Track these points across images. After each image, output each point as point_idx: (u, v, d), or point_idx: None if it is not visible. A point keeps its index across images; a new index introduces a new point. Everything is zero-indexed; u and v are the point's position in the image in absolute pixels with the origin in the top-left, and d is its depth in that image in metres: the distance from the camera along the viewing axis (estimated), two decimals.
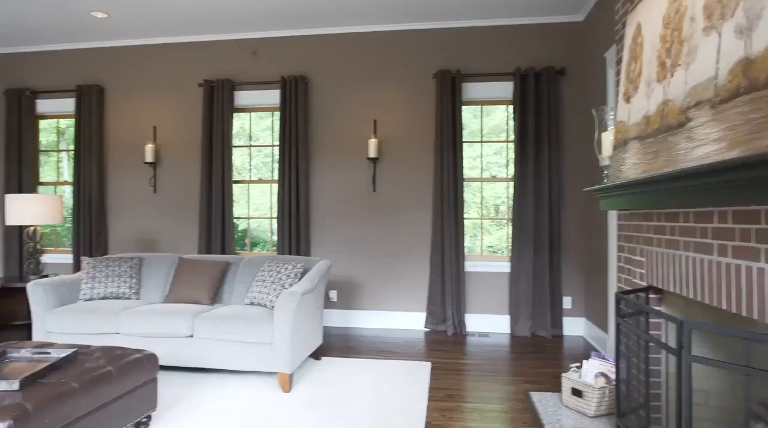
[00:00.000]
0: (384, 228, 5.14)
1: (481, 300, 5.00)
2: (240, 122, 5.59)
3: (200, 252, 5.28)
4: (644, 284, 2.62)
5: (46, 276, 4.57)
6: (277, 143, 5.40)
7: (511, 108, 5.06)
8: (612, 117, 2.86)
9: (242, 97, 5.41)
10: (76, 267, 5.51)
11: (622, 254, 2.94)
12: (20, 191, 5.67)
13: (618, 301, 2.51)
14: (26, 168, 5.72)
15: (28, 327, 4.50)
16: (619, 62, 2.93)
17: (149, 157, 5.44)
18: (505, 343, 4.58)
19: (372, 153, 5.00)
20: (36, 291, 3.77)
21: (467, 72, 5.00)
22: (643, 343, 2.46)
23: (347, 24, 5.13)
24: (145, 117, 5.61)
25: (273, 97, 5.34)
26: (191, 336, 3.52)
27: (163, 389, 3.36)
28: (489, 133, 5.25)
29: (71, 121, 5.89)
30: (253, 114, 5.58)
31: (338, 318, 5.22)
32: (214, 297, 3.95)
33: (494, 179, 5.21)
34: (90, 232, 5.54)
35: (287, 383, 3.32)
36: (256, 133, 5.63)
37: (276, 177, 5.45)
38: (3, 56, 5.95)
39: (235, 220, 5.48)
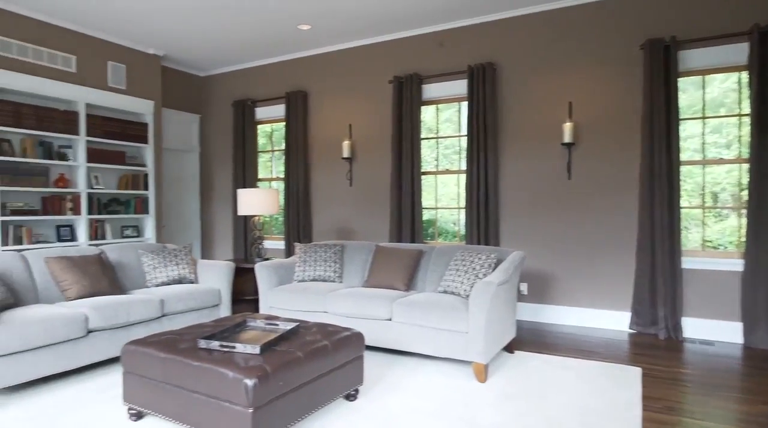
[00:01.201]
0: (580, 219, 4.77)
1: (703, 302, 4.33)
2: (426, 114, 5.70)
3: (391, 241, 5.54)
4: None
5: (268, 259, 5.26)
6: (464, 133, 5.38)
7: (744, 75, 4.26)
8: None
9: (429, 90, 5.51)
10: (287, 251, 6.23)
11: None
12: (244, 187, 6.61)
13: None
14: (249, 167, 6.65)
15: (255, 302, 5.23)
16: None
17: (346, 153, 5.88)
18: (736, 355, 3.89)
19: (567, 138, 4.68)
20: (262, 272, 4.34)
21: (686, 37, 4.34)
22: None
23: (534, 3, 4.87)
24: (342, 116, 6.08)
25: (459, 87, 5.34)
26: (390, 319, 3.69)
27: (365, 367, 3.58)
28: (710, 107, 4.49)
29: (280, 125, 6.67)
30: (439, 105, 5.65)
31: (529, 312, 5.02)
32: (409, 283, 4.09)
33: (721, 161, 4.43)
34: (297, 221, 6.22)
35: (482, 373, 3.28)
36: (441, 124, 5.69)
37: (463, 167, 5.45)
38: (232, 73, 7.00)
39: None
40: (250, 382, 2.23)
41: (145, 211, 6.13)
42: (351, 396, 2.99)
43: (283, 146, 6.67)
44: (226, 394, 2.29)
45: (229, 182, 7.00)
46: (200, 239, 7.30)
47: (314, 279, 4.44)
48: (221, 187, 7.13)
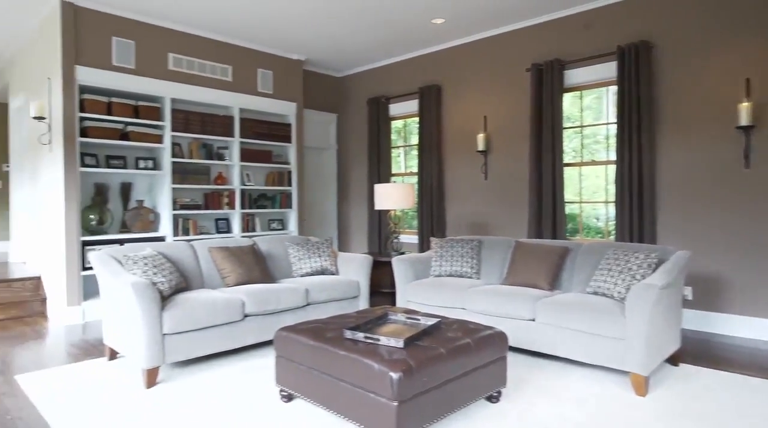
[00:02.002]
0: (761, 214, 4.09)
1: None
2: (564, 102, 5.31)
3: (530, 237, 5.26)
4: None
5: (403, 253, 5.31)
6: (612, 120, 4.92)
7: None
8: None
9: (571, 76, 5.13)
10: (421, 246, 6.25)
11: None
12: (378, 182, 6.76)
13: None
14: (383, 162, 6.78)
15: (391, 295, 5.32)
16: None
17: (480, 146, 5.72)
18: None
19: (744, 120, 4.03)
20: (399, 266, 4.38)
21: None
22: None
23: None
24: (476, 108, 5.92)
25: (606, 70, 4.89)
26: (533, 320, 3.49)
27: (507, 368, 3.42)
28: None
29: (413, 120, 6.70)
30: (583, 92, 5.23)
31: (695, 321, 4.44)
32: (553, 283, 3.83)
33: None
34: (431, 216, 6.20)
35: (642, 386, 2.94)
36: (580, 112, 5.26)
37: (611, 157, 4.99)
38: (366, 72, 7.19)
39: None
40: (395, 375, 2.22)
41: (289, 205, 6.55)
42: (493, 398, 2.86)
43: (415, 141, 6.70)
44: (371, 385, 2.31)
45: (364, 178, 7.21)
46: (337, 232, 7.63)
47: (451, 275, 4.37)
48: (356, 183, 7.38)
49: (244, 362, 3.55)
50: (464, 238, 4.57)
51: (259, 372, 3.34)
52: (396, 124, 7.00)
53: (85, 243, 4.94)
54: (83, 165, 4.95)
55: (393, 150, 7.03)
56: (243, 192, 6.12)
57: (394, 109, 6.79)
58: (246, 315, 3.60)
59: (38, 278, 5.44)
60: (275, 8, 5.04)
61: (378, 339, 2.57)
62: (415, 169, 6.68)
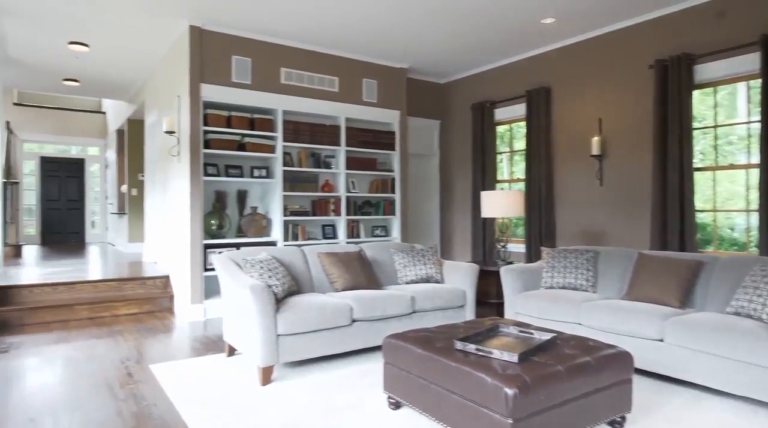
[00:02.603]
0: None
1: None
2: (699, 100, 4.81)
3: (652, 248, 4.81)
4: None
5: (511, 262, 5.11)
6: (756, 118, 4.37)
7: None
8: None
9: (703, 71, 4.63)
10: (529, 255, 5.98)
11: None
12: (483, 189, 6.59)
13: None
14: (488, 168, 6.61)
15: (497, 306, 5.14)
16: None
17: (595, 150, 5.36)
18: None
19: None
20: (507, 276, 4.21)
21: None
22: None
23: None
24: (590, 110, 5.56)
25: (746, 62, 4.35)
26: (661, 340, 3.17)
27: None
28: None
29: (519, 124, 6.46)
30: (717, 88, 4.70)
31: None
32: (684, 300, 3.45)
33: None
34: (539, 224, 5.91)
35: None
36: (710, 110, 4.72)
37: (753, 160, 4.42)
38: (470, 77, 7.08)
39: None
40: (510, 391, 2.11)
41: (392, 212, 6.61)
42: (616, 424, 2.62)
43: (521, 146, 6.45)
44: (483, 400, 2.21)
45: (468, 184, 7.08)
46: (439, 240, 7.56)
47: (563, 287, 4.11)
48: (460, 190, 7.27)
49: (351, 366, 3.60)
50: (579, 249, 4.29)
51: (366, 378, 3.36)
52: (499, 129, 6.80)
53: (206, 247, 5.34)
54: (206, 174, 5.36)
55: (499, 155, 6.83)
56: (348, 199, 6.27)
57: (500, 113, 6.60)
58: (354, 321, 3.65)
59: (167, 277, 5.98)
60: (381, 20, 5.12)
61: (490, 352, 2.46)
62: (521, 175, 6.43)
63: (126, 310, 5.48)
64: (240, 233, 5.71)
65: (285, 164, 5.80)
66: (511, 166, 6.73)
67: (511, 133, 6.72)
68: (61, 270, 6.55)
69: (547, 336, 2.75)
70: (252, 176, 5.72)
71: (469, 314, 4.37)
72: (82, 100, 11.36)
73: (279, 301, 3.49)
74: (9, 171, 8.96)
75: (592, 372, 2.43)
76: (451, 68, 6.92)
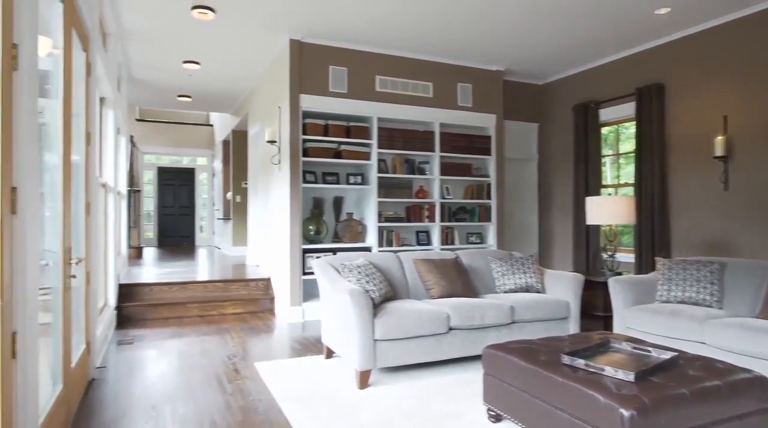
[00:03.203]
0: None
1: None
2: None
3: None
4: None
5: (620, 273, 4.76)
6: None
7: None
8: None
9: None
10: (638, 266, 5.54)
11: None
12: (587, 194, 6.22)
13: None
14: (591, 173, 6.24)
15: (604, 319, 4.81)
16: None
17: (719, 151, 4.85)
18: None
19: None
20: (616, 288, 3.92)
21: None
22: None
23: None
24: (712, 107, 5.05)
25: None
26: None
27: None
28: None
29: (627, 125, 6.02)
30: None
31: None
32: None
33: None
34: (651, 232, 5.46)
35: None
36: None
37: None
38: (571, 77, 6.75)
39: None
40: (626, 413, 1.93)
41: (488, 219, 6.44)
42: None
43: (628, 148, 6.01)
44: (594, 420, 2.05)
45: (569, 189, 6.72)
46: (537, 248, 7.25)
47: (682, 302, 3.74)
48: (560, 195, 6.92)
49: (448, 375, 3.52)
50: (701, 259, 3.88)
51: (464, 387, 3.27)
52: (604, 131, 6.40)
53: (305, 251, 5.52)
54: (304, 181, 5.55)
55: (602, 158, 6.42)
56: (442, 205, 6.21)
57: (605, 113, 6.21)
58: (450, 329, 3.57)
59: (268, 279, 6.27)
60: (477, 23, 5.02)
61: (602, 369, 2.28)
62: (628, 179, 5.99)
63: (232, 310, 5.82)
64: (336, 238, 5.85)
65: (380, 171, 5.86)
66: (617, 170, 6.30)
67: (617, 135, 6.29)
68: (175, 270, 7.11)
69: (666, 355, 2.50)
70: (348, 183, 5.85)
71: (572, 327, 4.12)
72: (193, 114, 12.35)
73: (376, 306, 3.50)
74: (132, 180, 9.93)
75: (723, 398, 2.17)
76: (551, 68, 6.63)
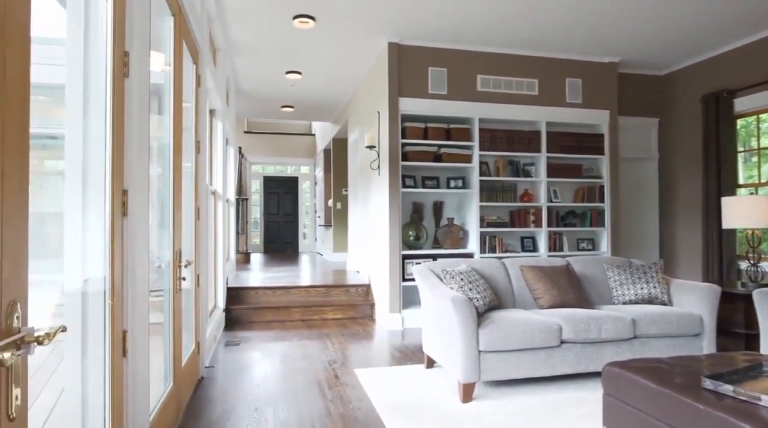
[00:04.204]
0: None
1: None
2: None
3: None
4: None
5: (766, 285, 4.10)
6: None
7: None
8: None
9: None
10: None
11: None
12: (719, 194, 5.49)
13: None
14: (724, 171, 5.49)
15: (746, 338, 4.17)
16: None
17: None
18: None
19: None
20: (762, 301, 3.35)
21: None
22: None
23: None
24: None
25: None
26: None
27: None
28: None
29: (752, 118, 5.24)
30: None
31: None
32: None
33: None
34: None
35: None
36: None
37: None
38: (699, 64, 6.03)
39: None
40: None
41: (601, 223, 5.92)
42: None
43: None
44: None
45: (697, 190, 5.98)
46: (658, 255, 6.54)
47: None
48: (686, 197, 6.19)
49: (559, 393, 3.21)
50: None
51: (578, 407, 2.95)
52: (740, 123, 5.61)
53: (404, 257, 5.42)
54: (404, 186, 5.47)
55: (737, 155, 5.64)
56: (549, 209, 5.81)
57: (740, 103, 5.45)
58: (563, 342, 3.25)
59: (368, 285, 6.26)
60: (589, 14, 4.63)
61: (757, 398, 1.90)
62: None
63: (332, 315, 5.87)
64: (436, 244, 5.69)
65: (482, 174, 5.62)
66: (757, 167, 5.49)
67: (758, 127, 5.49)
68: (279, 275, 7.37)
69: None
70: (448, 187, 5.67)
71: (707, 346, 3.59)
72: (296, 125, 12.89)
73: (480, 315, 3.29)
74: (241, 189, 10.54)
75: None
76: (673, 56, 5.97)
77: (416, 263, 5.41)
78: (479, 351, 3.09)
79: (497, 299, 3.65)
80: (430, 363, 3.77)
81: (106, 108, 1.65)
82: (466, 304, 3.07)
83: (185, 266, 2.75)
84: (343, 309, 5.93)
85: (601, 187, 5.93)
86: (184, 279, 2.82)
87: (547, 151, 5.76)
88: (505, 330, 3.11)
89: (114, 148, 1.66)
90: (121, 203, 1.72)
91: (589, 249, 5.96)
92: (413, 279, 5.37)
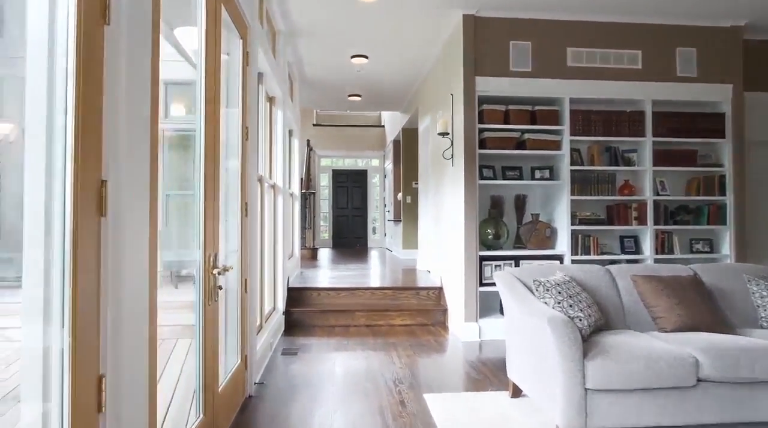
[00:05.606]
0: None
1: None
2: None
3: None
4: None
5: None
6: None
7: None
8: None
9: None
10: None
11: None
12: None
13: None
14: None
15: None
16: None
17: None
18: None
19: None
20: None
21: None
22: None
23: None
24: None
25: None
26: None
27: None
28: None
29: None
30: None
31: None
32: None
33: None
34: None
35: None
36: None
37: None
38: None
39: None
40: None
41: (721, 221, 4.92)
42: None
43: None
44: None
45: None
46: None
47: None
48: None
49: None
50: None
51: None
52: None
53: (482, 258, 4.75)
54: (481, 177, 4.79)
55: None
56: (656, 203, 4.89)
57: None
58: (699, 380, 2.47)
59: (440, 289, 5.63)
60: None
61: None
62: None
63: (400, 321, 5.31)
64: (519, 244, 4.97)
65: (572, 162, 4.82)
66: None
67: None
68: (345, 274, 6.91)
69: None
70: (533, 178, 4.92)
71: None
72: (365, 116, 12.42)
73: (584, 340, 2.58)
74: (309, 183, 10.22)
75: None
76: None
77: (495, 265, 4.73)
78: (586, 390, 2.38)
79: (603, 318, 2.91)
80: (516, 392, 3.10)
81: (67, 61, 1.15)
82: (569, 327, 2.38)
83: (220, 273, 2.28)
84: (411, 314, 5.35)
85: (722, 177, 4.92)
86: (220, 288, 2.35)
87: (653, 135, 4.85)
88: (623, 363, 2.38)
89: (80, 120, 1.16)
90: (97, 198, 1.23)
91: (706, 252, 4.97)
92: (492, 284, 4.68)
